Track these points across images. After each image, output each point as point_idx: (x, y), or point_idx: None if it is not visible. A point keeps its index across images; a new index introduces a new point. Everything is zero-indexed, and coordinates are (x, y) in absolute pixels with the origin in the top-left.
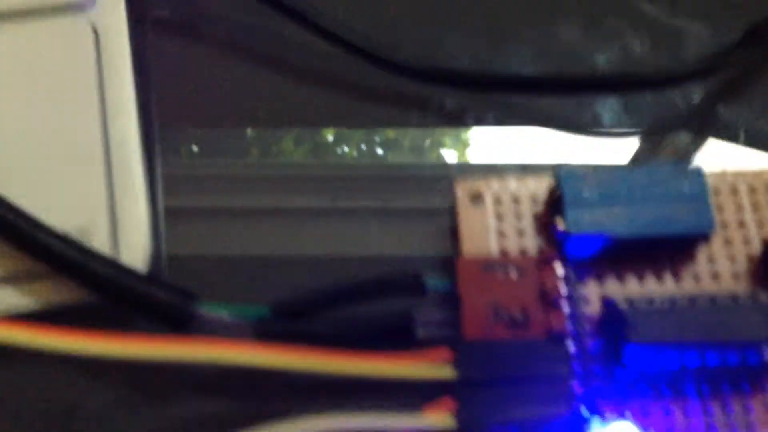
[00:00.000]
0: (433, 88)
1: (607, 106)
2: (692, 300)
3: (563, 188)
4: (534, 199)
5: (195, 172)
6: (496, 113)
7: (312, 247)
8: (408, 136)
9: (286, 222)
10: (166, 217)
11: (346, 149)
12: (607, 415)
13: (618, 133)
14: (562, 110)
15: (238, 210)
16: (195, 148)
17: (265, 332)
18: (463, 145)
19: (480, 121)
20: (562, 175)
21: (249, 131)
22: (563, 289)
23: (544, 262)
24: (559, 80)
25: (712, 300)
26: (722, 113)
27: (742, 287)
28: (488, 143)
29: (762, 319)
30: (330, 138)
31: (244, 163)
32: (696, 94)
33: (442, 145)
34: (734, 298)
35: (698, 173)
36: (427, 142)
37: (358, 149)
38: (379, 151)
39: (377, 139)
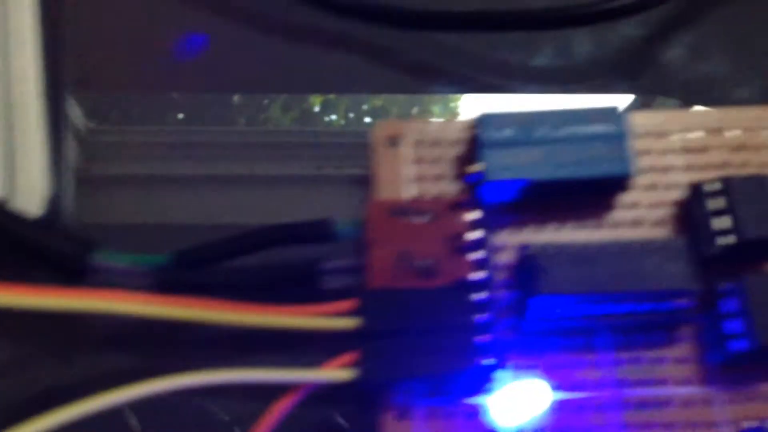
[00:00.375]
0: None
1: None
2: (604, 248)
3: (479, 131)
4: (456, 144)
5: (180, 139)
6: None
7: (297, 214)
8: (396, 103)
9: (271, 189)
10: (151, 185)
11: (333, 117)
12: (516, 367)
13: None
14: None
15: (222, 178)
16: (180, 116)
17: (166, 282)
18: (451, 112)
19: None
20: (480, 119)
21: (236, 98)
22: (475, 235)
23: (455, 206)
24: (492, 17)
25: (624, 248)
26: (657, 53)
27: (664, 234)
28: (476, 110)
29: (675, 267)
30: (317, 107)
31: (231, 130)
32: (630, 32)
33: (430, 112)
34: (647, 245)
35: (617, 114)
36: (415, 109)
37: (346, 117)
38: (367, 119)
39: (365, 107)
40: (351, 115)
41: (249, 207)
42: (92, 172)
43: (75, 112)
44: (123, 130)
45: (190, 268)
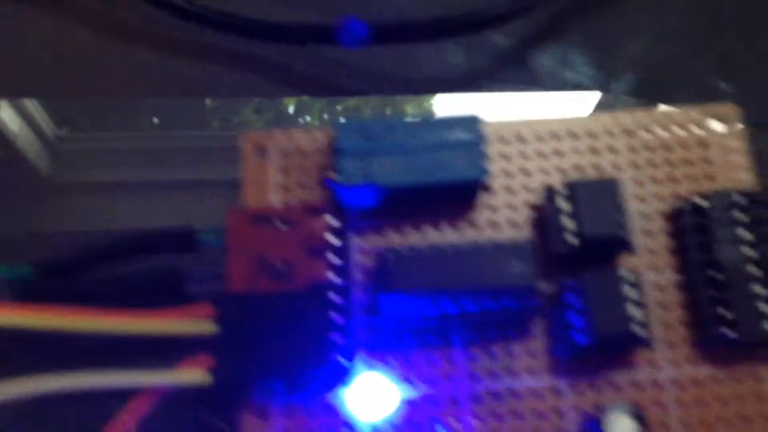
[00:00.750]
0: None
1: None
2: (455, 249)
3: (337, 140)
4: (320, 153)
5: (154, 144)
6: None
7: None
8: (369, 104)
9: None
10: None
11: (308, 118)
12: (373, 365)
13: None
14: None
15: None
16: (156, 120)
17: (25, 292)
18: (424, 112)
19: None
20: (337, 127)
21: (209, 102)
22: (331, 240)
23: (312, 212)
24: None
25: (471, 248)
26: (529, 59)
27: (521, 235)
28: (450, 110)
29: (519, 266)
30: (291, 108)
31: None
32: (504, 39)
33: (403, 112)
34: (494, 245)
35: (473, 121)
36: (389, 110)
37: (320, 118)
38: (342, 119)
39: (339, 107)
40: (325, 116)
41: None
42: (61, 179)
43: (43, 119)
44: (93, 137)
45: (52, 279)
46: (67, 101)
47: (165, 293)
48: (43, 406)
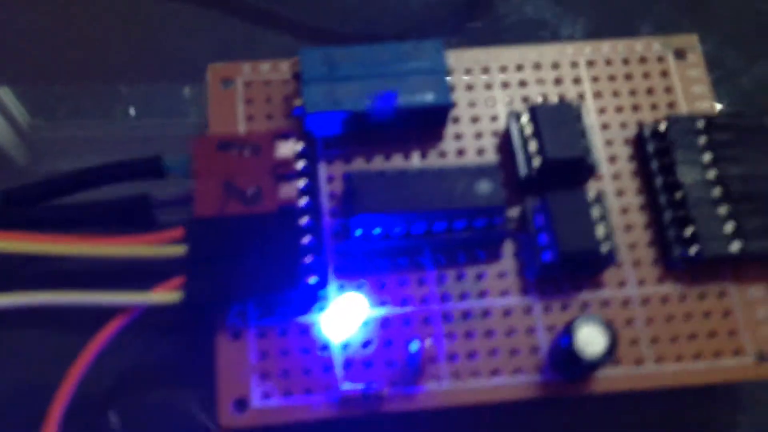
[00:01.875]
0: None
1: None
2: (422, 172)
3: (302, 68)
4: (286, 83)
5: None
6: None
7: None
8: None
9: None
10: None
11: None
12: (344, 287)
13: None
14: None
15: None
16: (132, 111)
17: None
18: None
19: None
20: (302, 54)
21: (186, 90)
22: (298, 165)
23: (278, 138)
24: None
25: (438, 171)
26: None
27: (488, 161)
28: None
29: (485, 187)
30: None
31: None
32: None
33: None
34: (460, 169)
35: (437, 46)
36: None
37: None
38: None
39: None
40: None
41: None
42: (35, 169)
43: (17, 109)
44: (68, 125)
45: (21, 206)
46: (41, 89)
47: (135, 219)
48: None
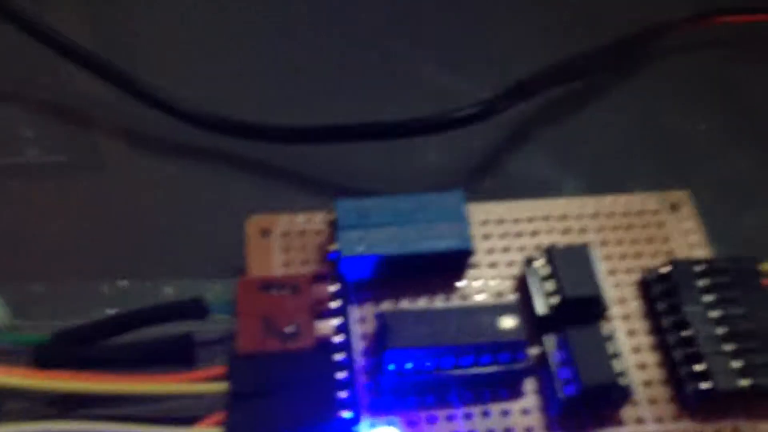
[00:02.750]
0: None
1: None
2: (448, 310)
3: (337, 215)
4: (320, 233)
5: None
6: None
7: None
8: None
9: None
10: None
11: None
12: (375, 422)
13: None
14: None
15: None
16: None
17: (45, 358)
18: None
19: None
20: (337, 204)
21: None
22: (334, 304)
23: (316, 279)
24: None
25: (464, 309)
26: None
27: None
28: None
29: (507, 322)
30: None
31: None
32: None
33: None
34: (483, 306)
35: (458, 197)
36: None
37: None
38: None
39: None
40: None
41: None
42: None
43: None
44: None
45: (70, 346)
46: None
47: (178, 359)
48: None
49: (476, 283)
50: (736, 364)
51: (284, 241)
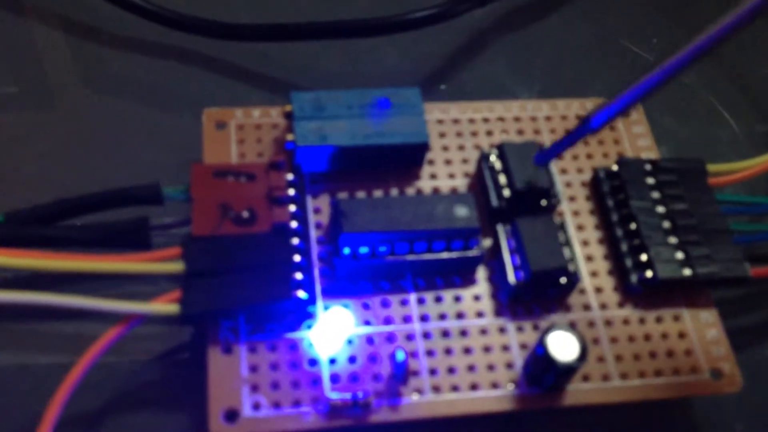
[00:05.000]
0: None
1: None
2: (403, 197)
3: (294, 106)
4: (276, 127)
5: None
6: None
7: None
8: None
9: None
10: None
11: None
12: (330, 305)
13: None
14: None
15: None
16: None
17: (1, 236)
18: None
19: None
20: (293, 96)
21: None
22: (290, 191)
23: (272, 167)
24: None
25: (420, 198)
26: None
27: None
28: None
29: (461, 211)
30: None
31: None
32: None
33: None
34: (438, 196)
35: (415, 93)
36: None
37: None
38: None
39: None
40: None
41: None
42: None
43: None
44: None
45: (28, 225)
46: None
47: (134, 241)
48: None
49: (431, 180)
50: (678, 255)
51: (240, 133)
